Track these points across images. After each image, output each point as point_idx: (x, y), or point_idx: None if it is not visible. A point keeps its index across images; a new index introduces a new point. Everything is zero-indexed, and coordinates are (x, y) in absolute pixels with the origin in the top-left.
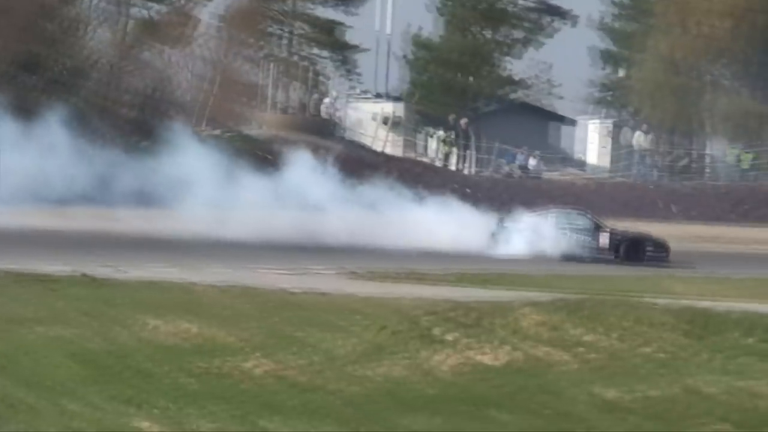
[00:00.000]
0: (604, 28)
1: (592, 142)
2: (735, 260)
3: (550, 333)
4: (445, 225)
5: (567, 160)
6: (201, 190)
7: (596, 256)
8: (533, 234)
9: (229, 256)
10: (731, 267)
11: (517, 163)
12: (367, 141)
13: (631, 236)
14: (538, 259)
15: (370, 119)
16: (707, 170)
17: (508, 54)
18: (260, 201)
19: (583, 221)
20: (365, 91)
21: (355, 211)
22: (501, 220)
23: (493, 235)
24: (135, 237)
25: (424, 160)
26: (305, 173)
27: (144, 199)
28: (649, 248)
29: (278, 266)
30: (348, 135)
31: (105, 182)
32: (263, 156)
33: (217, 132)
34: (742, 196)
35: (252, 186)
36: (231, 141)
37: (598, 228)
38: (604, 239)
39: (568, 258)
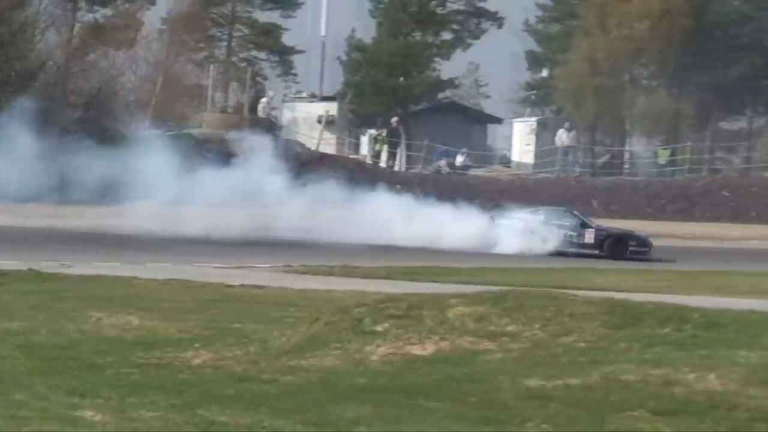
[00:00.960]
0: (529, 30)
1: (517, 140)
2: (652, 253)
3: (475, 324)
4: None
5: (493, 157)
6: (152, 188)
7: (582, 252)
8: (522, 231)
9: (174, 251)
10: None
11: (445, 160)
12: (302, 140)
13: (614, 233)
14: (526, 255)
15: (305, 118)
16: (626, 166)
17: (437, 55)
18: (210, 198)
19: (570, 219)
20: (301, 92)
21: (306, 207)
22: (492, 218)
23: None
24: (85, 233)
25: (357, 157)
26: (251, 170)
27: (97, 196)
28: (631, 244)
29: (220, 261)
30: (284, 134)
31: (58, 180)
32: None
33: (160, 131)
34: (659, 191)
35: (202, 183)
36: (174, 139)
37: (584, 225)
38: (589, 236)
39: (556, 254)
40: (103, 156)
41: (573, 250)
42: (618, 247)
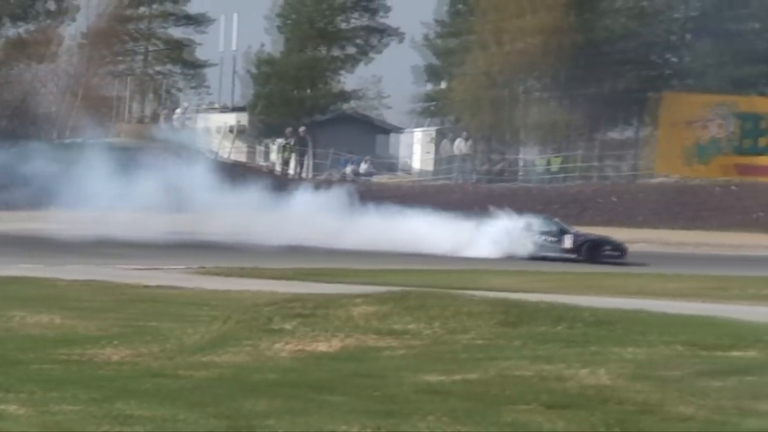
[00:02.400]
0: (428, 45)
1: (417, 149)
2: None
3: (379, 322)
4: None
5: (395, 165)
6: (78, 194)
7: (561, 256)
8: (504, 237)
9: (97, 254)
10: (540, 263)
11: (350, 168)
12: (215, 148)
13: (591, 238)
14: (508, 259)
15: (217, 128)
16: (520, 173)
17: (341, 69)
18: (134, 203)
19: (549, 225)
20: (213, 103)
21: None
22: (475, 224)
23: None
24: (11, 237)
25: (266, 165)
26: (172, 177)
27: (23, 202)
28: (607, 249)
29: (139, 264)
30: (194, 144)
31: None
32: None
33: (80, 140)
34: (552, 197)
35: (125, 189)
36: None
37: (562, 231)
38: (568, 241)
39: (536, 258)
40: (29, 163)
41: (552, 254)
42: (594, 251)
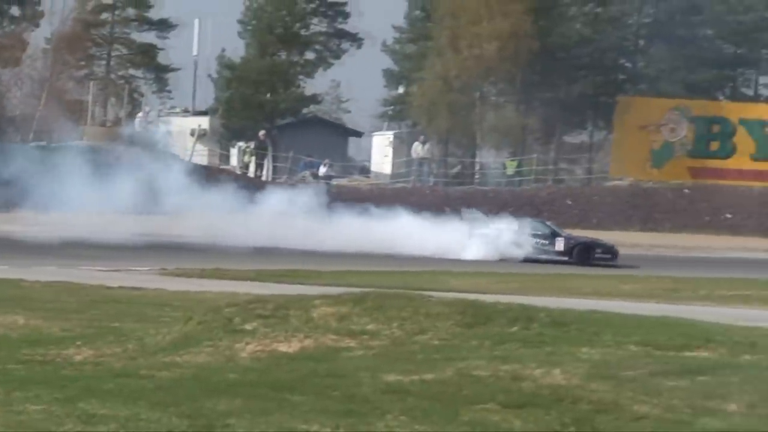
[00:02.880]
0: (386, 50)
1: (376, 152)
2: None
3: (338, 323)
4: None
5: (354, 167)
6: (46, 196)
7: (553, 259)
8: (499, 240)
9: (61, 255)
10: (498, 264)
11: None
12: (177, 152)
13: (582, 241)
14: (502, 262)
15: (179, 132)
16: (477, 177)
17: (302, 73)
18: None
19: (542, 228)
20: (175, 107)
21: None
22: (471, 227)
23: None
24: None
25: (228, 168)
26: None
27: None
28: (597, 252)
29: (103, 265)
30: (160, 146)
31: None
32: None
33: (44, 143)
34: (508, 199)
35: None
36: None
37: (554, 234)
38: (559, 244)
39: (529, 260)
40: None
41: (544, 257)
42: (585, 254)
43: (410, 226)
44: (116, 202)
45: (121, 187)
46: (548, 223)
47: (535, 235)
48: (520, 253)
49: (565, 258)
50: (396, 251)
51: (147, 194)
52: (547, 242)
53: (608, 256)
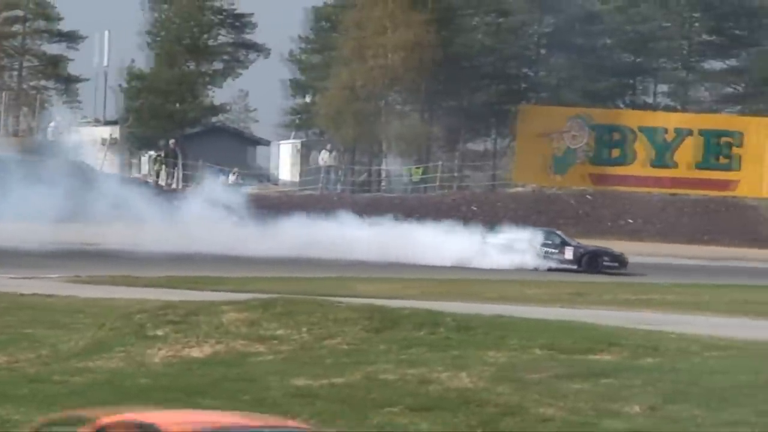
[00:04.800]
0: (292, 60)
1: (284, 160)
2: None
3: (247, 328)
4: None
5: (262, 175)
6: None
7: (562, 267)
8: (511, 248)
9: None
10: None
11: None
12: (87, 161)
13: (591, 250)
14: (514, 270)
15: (90, 142)
16: (383, 184)
17: (210, 83)
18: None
19: (552, 237)
20: (86, 117)
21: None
22: (483, 236)
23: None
24: None
25: (138, 176)
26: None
27: None
28: (605, 260)
29: (18, 273)
30: (71, 156)
31: None
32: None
33: None
34: (414, 206)
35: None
36: None
37: (564, 243)
38: (569, 253)
39: (539, 268)
40: None
41: (554, 265)
42: (594, 262)
43: (427, 237)
44: (33, 210)
45: (37, 195)
46: (558, 232)
47: (545, 245)
48: (531, 261)
49: (575, 266)
50: (413, 261)
51: (63, 203)
52: (556, 251)
53: (616, 264)
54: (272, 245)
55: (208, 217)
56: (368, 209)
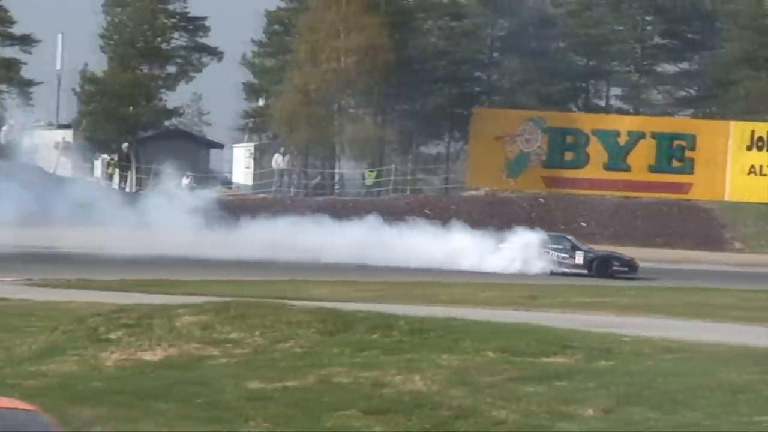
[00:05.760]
0: (246, 64)
1: (237, 164)
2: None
3: (201, 331)
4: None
5: (216, 179)
6: None
7: (573, 272)
8: (522, 253)
9: None
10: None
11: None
12: (41, 164)
13: (601, 255)
14: (525, 275)
15: (44, 145)
16: (336, 187)
17: (163, 87)
18: None
19: (563, 243)
20: (39, 120)
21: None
22: (496, 241)
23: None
24: None
25: (91, 179)
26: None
27: None
28: (615, 265)
29: None
30: (25, 159)
31: None
32: None
33: None
34: (368, 208)
35: None
36: None
37: (574, 248)
38: (579, 258)
39: (550, 273)
40: None
41: (565, 270)
42: (604, 267)
43: (444, 240)
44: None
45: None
46: (569, 237)
47: (556, 249)
48: (542, 266)
49: (585, 271)
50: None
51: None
52: (567, 256)
53: (625, 269)
54: (237, 248)
55: (169, 220)
56: (322, 212)
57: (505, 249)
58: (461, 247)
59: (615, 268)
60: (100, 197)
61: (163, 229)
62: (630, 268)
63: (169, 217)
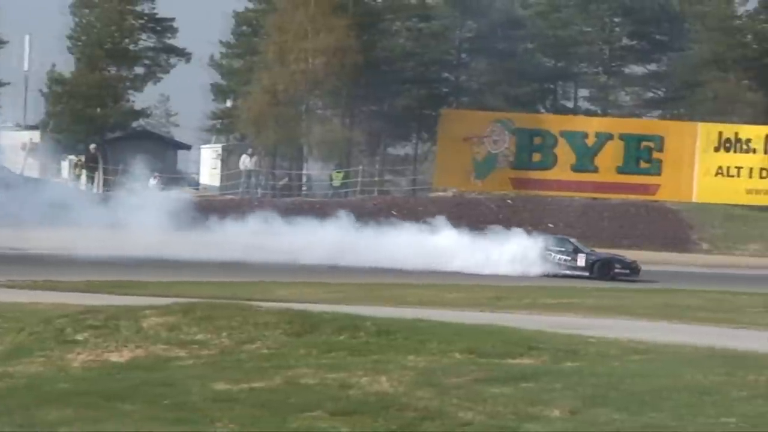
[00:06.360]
0: (214, 65)
1: (204, 165)
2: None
3: (168, 333)
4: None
5: (184, 180)
6: None
7: (575, 274)
8: (524, 255)
9: None
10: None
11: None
12: (9, 165)
13: (603, 257)
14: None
15: (11, 146)
16: (304, 188)
17: (131, 88)
18: None
19: (565, 245)
20: (6, 121)
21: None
22: (499, 243)
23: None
24: None
25: (59, 180)
26: None
27: None
28: (617, 267)
29: None
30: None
31: None
32: None
33: None
34: (335, 210)
35: None
36: None
37: (576, 251)
38: (581, 260)
39: (552, 275)
40: None
41: (567, 272)
42: (606, 269)
43: (452, 243)
44: None
45: None
46: (572, 240)
47: (558, 251)
48: (543, 268)
49: (587, 273)
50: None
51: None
52: (569, 258)
53: (627, 271)
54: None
55: (140, 220)
56: (289, 213)
57: (507, 252)
58: (461, 249)
59: (617, 270)
60: (68, 198)
61: (133, 230)
62: (632, 270)
63: (140, 218)
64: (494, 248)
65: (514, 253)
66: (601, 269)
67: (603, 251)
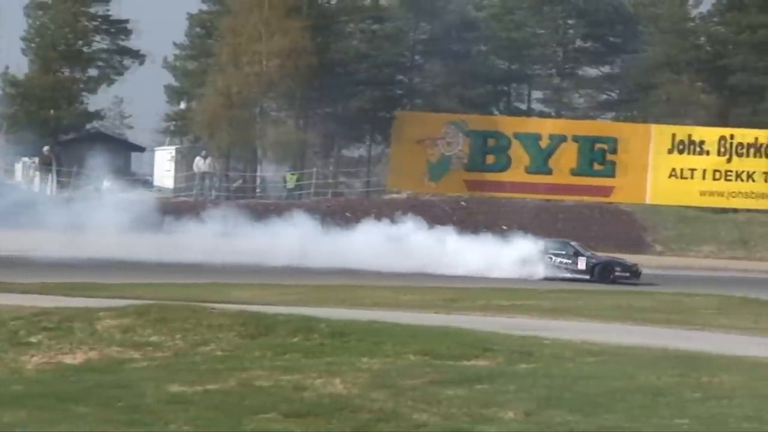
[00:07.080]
0: (168, 67)
1: (158, 167)
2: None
3: (122, 335)
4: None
5: (138, 182)
6: None
7: (575, 277)
8: (524, 258)
9: None
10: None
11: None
12: None
13: (603, 261)
14: (526, 279)
15: None
16: (258, 190)
17: (85, 90)
18: None
19: (566, 248)
20: None
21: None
22: (499, 247)
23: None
24: None
25: (12, 182)
26: None
27: None
28: (617, 270)
29: None
30: None
31: None
32: None
33: None
34: (290, 211)
35: None
36: None
37: (577, 254)
38: (582, 263)
39: (552, 278)
40: None
41: (567, 275)
42: (606, 272)
43: (455, 245)
44: None
45: None
46: (572, 243)
47: (558, 255)
48: (544, 271)
49: (587, 276)
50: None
51: None
52: (569, 261)
53: (627, 274)
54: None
55: (97, 222)
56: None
57: (508, 255)
58: (461, 252)
59: (617, 273)
60: (24, 200)
61: (91, 232)
62: (632, 273)
63: (98, 220)
64: (497, 251)
65: (517, 256)
66: (602, 272)
67: (603, 254)
